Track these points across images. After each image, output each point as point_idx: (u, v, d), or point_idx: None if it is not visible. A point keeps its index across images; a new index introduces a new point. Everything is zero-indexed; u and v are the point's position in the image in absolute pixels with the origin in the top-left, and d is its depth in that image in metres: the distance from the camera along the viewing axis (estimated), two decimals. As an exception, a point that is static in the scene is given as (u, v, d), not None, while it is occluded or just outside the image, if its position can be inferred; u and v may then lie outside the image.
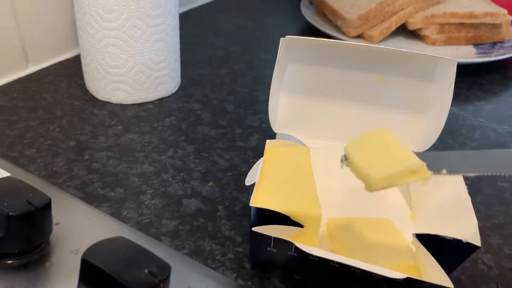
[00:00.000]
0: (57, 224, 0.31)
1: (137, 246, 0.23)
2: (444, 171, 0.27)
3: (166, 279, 0.22)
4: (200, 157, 0.41)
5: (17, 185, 0.28)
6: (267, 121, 0.41)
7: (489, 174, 0.26)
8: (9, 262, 0.27)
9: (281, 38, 0.37)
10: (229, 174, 0.39)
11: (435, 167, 0.27)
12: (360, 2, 0.63)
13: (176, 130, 0.44)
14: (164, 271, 0.22)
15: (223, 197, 0.37)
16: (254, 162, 0.36)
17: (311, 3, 0.72)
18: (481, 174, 0.27)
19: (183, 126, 0.45)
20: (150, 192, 0.37)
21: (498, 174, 0.26)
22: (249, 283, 0.30)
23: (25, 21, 0.48)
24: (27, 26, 0.49)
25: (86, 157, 0.40)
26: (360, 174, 0.27)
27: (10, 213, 0.25)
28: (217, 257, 0.32)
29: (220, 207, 0.36)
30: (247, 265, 0.32)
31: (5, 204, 0.26)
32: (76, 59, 0.54)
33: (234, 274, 0.31)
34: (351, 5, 0.64)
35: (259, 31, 0.68)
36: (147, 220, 0.34)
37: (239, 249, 0.33)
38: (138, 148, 0.42)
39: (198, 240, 0.33)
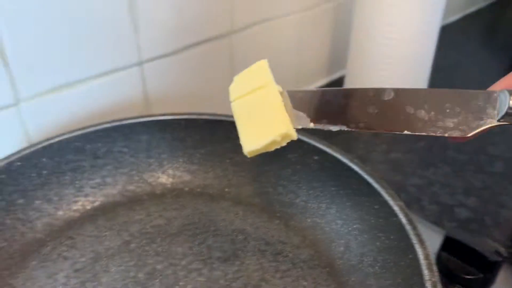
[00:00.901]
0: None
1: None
2: (311, 124, 0.27)
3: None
4: (457, 177, 0.51)
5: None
6: None
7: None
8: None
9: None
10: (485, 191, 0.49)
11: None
12: None
13: (429, 152, 0.55)
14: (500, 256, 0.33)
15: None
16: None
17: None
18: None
19: (434, 149, 0.56)
20: (426, 200, 0.48)
21: None
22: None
23: (303, 46, 0.64)
24: (305, 55, 0.64)
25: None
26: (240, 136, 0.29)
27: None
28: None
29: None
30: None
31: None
32: (332, 84, 0.67)
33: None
34: None
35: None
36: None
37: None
38: (404, 164, 0.53)
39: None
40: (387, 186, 0.31)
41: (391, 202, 0.30)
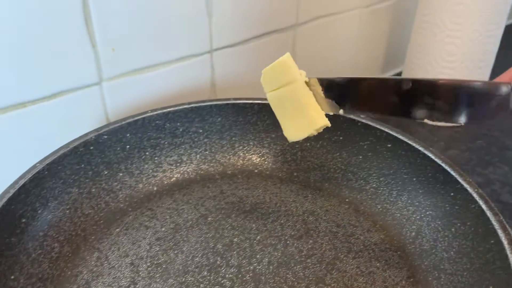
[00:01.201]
0: None
1: None
2: (341, 111, 0.30)
3: None
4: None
5: None
6: None
7: None
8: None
9: None
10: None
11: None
12: None
13: (487, 152, 0.55)
14: None
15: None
16: None
17: None
18: None
19: (493, 149, 0.56)
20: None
21: None
22: None
23: (362, 49, 0.65)
24: (362, 52, 0.65)
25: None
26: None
27: None
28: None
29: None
30: None
31: None
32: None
33: None
34: None
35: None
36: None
37: None
38: (462, 162, 0.54)
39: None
40: (464, 174, 0.32)
41: (470, 189, 0.30)
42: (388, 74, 0.73)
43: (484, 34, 0.55)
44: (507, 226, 0.28)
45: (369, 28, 0.64)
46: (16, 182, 0.31)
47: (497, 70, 0.64)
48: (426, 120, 0.28)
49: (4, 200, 0.29)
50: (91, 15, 0.39)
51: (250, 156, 0.42)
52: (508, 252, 0.26)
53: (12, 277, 0.29)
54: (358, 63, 0.67)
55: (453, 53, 0.56)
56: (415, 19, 0.59)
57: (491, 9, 0.53)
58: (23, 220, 0.31)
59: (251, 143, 0.42)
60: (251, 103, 0.41)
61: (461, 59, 0.56)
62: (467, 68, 0.57)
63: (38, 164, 0.33)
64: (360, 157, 0.38)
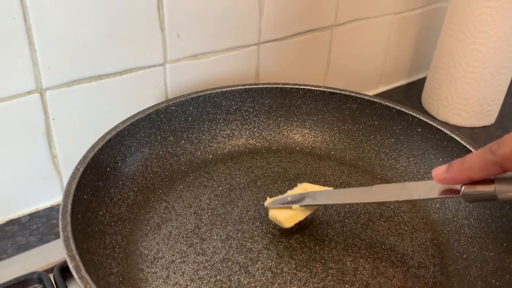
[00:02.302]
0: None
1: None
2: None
3: None
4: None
5: None
6: None
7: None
8: None
9: None
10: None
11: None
12: None
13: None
14: None
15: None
16: None
17: None
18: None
19: (508, 149, 0.60)
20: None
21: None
22: None
23: (390, 52, 0.70)
24: (390, 55, 0.70)
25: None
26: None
27: None
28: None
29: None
30: None
31: None
32: (411, 85, 0.74)
33: None
34: None
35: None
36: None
37: None
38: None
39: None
40: (485, 154, 0.36)
41: (490, 165, 0.35)
42: (414, 79, 0.79)
43: (506, 43, 0.60)
44: (521, 194, 0.32)
45: (399, 33, 0.70)
46: (103, 137, 0.37)
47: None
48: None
49: (96, 149, 0.35)
50: (163, 2, 0.45)
51: (293, 135, 0.47)
52: (521, 213, 0.31)
53: (101, 213, 0.34)
54: (387, 65, 0.72)
55: (477, 59, 0.61)
56: (443, 27, 0.64)
57: (515, 20, 0.59)
58: (108, 169, 0.37)
59: (294, 123, 0.47)
60: (297, 88, 0.46)
61: (484, 66, 0.61)
62: (490, 74, 0.62)
63: (120, 124, 0.39)
64: (393, 140, 0.43)
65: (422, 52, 0.75)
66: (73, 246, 0.27)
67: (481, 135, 0.65)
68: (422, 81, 0.73)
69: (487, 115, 0.66)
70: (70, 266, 0.26)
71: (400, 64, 0.75)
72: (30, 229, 0.45)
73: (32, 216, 0.46)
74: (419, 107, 0.71)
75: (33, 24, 0.39)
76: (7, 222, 0.46)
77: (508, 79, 0.65)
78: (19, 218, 0.46)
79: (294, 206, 0.36)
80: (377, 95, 0.74)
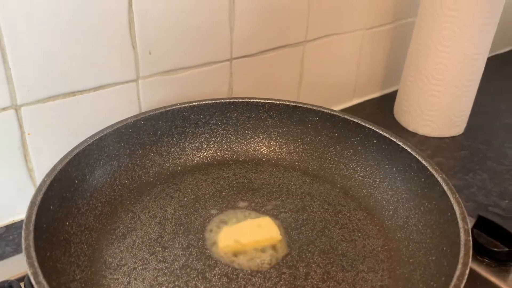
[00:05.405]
0: None
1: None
2: None
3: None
4: (493, 183, 0.57)
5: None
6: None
7: None
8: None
9: None
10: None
11: None
12: None
13: (470, 161, 0.62)
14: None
15: None
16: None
17: None
18: None
19: (475, 159, 0.63)
20: (463, 198, 0.54)
21: None
22: None
23: (363, 66, 0.72)
24: (363, 69, 0.73)
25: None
26: None
27: None
28: None
29: None
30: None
31: None
32: (384, 97, 0.76)
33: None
34: None
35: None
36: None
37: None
38: (446, 168, 0.60)
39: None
40: (433, 164, 0.39)
41: (436, 174, 0.37)
42: (386, 91, 0.81)
43: (469, 56, 0.62)
44: (461, 201, 0.35)
45: (370, 48, 0.72)
46: (72, 151, 0.39)
47: (482, 94, 0.72)
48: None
49: (64, 163, 0.37)
50: (134, 21, 0.47)
51: (260, 147, 0.49)
52: (459, 219, 0.33)
53: (67, 223, 0.36)
54: (360, 78, 0.74)
55: (442, 72, 0.63)
56: (411, 41, 0.67)
57: (477, 35, 0.61)
58: (76, 181, 0.39)
59: (260, 136, 0.49)
60: (263, 102, 0.48)
61: (449, 78, 0.64)
62: (455, 86, 0.64)
63: (88, 139, 0.41)
64: (351, 150, 0.46)
65: (394, 65, 0.78)
66: (33, 254, 0.29)
67: (449, 145, 0.67)
68: (394, 94, 0.75)
69: (455, 126, 0.69)
70: (29, 272, 0.28)
71: (373, 77, 0.77)
72: (6, 240, 0.47)
73: (9, 227, 0.48)
74: (392, 118, 0.73)
75: (7, 44, 0.41)
76: (-16, 233, 0.48)
77: (474, 91, 0.67)
78: (-5, 229, 0.48)
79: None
80: (351, 108, 0.77)
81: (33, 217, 0.32)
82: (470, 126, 0.71)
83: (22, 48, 0.42)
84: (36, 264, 0.28)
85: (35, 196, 0.34)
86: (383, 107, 0.76)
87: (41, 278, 0.27)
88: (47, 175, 0.36)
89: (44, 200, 0.34)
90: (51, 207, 0.35)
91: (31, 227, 0.31)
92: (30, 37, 0.42)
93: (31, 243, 0.30)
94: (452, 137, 0.68)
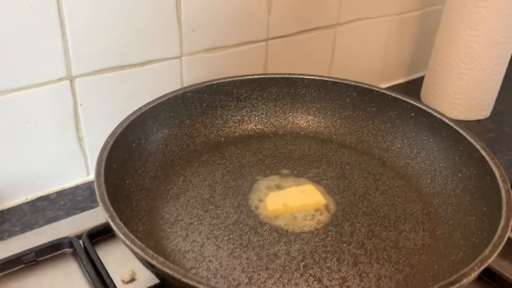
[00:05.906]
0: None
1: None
2: None
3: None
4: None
5: None
6: None
7: None
8: None
9: None
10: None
11: None
12: None
13: (496, 143, 0.64)
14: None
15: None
16: None
17: None
18: None
19: (501, 140, 0.64)
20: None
21: None
22: None
23: (390, 51, 0.74)
24: (390, 54, 0.75)
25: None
26: None
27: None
28: None
29: None
30: None
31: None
32: (410, 83, 0.78)
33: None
34: None
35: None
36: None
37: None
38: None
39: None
40: (471, 133, 0.40)
41: (474, 142, 0.39)
42: (413, 77, 0.83)
43: (498, 40, 0.64)
44: (500, 165, 0.36)
45: (398, 33, 0.74)
46: (129, 117, 0.42)
47: (508, 78, 0.73)
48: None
49: (123, 126, 0.40)
50: (181, 0, 0.49)
51: (298, 121, 0.52)
52: (499, 181, 0.35)
53: (127, 181, 0.39)
54: (387, 63, 0.76)
55: (470, 56, 0.65)
56: (439, 27, 0.68)
57: (506, 18, 0.63)
58: (133, 145, 0.42)
59: (299, 110, 0.52)
60: (302, 78, 0.51)
61: (478, 62, 0.65)
62: (483, 70, 0.66)
63: (143, 107, 0.43)
64: (389, 124, 0.48)
65: (421, 51, 0.80)
66: (107, 201, 0.31)
67: (476, 128, 0.68)
68: (420, 80, 0.77)
69: (482, 109, 0.70)
70: (106, 215, 0.30)
71: (400, 63, 0.79)
72: (58, 205, 0.49)
73: (59, 193, 0.51)
74: (418, 102, 0.75)
75: (66, 17, 0.44)
76: (37, 198, 0.51)
77: (501, 74, 0.69)
78: (48, 195, 0.51)
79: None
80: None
81: (102, 171, 0.34)
82: (496, 110, 0.73)
83: (79, 21, 0.45)
84: (111, 209, 0.30)
85: (101, 153, 0.36)
86: (409, 92, 0.77)
87: (118, 220, 0.30)
88: (110, 136, 0.39)
89: (108, 158, 0.36)
90: (114, 165, 0.37)
91: (102, 179, 0.33)
92: (87, 9, 0.45)
93: (104, 192, 0.32)
94: (479, 121, 0.70)
